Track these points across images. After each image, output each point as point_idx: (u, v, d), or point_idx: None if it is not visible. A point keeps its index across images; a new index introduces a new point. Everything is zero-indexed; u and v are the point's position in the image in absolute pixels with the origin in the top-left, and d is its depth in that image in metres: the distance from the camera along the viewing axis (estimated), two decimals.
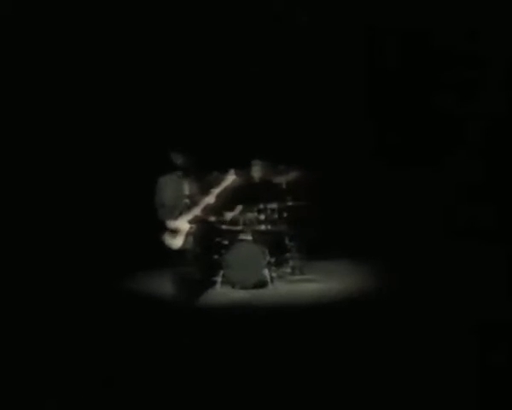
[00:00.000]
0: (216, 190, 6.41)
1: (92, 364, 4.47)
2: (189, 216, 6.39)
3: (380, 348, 4.56)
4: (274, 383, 4.06)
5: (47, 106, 8.12)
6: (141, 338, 5.01)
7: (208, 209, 6.52)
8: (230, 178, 6.45)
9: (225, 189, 6.47)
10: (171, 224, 6.38)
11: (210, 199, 6.38)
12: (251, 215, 7.01)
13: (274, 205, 7.08)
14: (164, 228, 6.41)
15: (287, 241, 7.21)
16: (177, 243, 6.37)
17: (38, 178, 8.07)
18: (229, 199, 6.79)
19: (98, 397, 3.94)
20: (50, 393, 4.01)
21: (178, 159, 6.39)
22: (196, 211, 6.39)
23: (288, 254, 7.23)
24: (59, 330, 5.28)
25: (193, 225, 6.38)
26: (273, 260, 6.99)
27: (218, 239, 7.05)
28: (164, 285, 6.64)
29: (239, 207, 7.05)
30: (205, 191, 6.48)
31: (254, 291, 6.65)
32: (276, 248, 7.10)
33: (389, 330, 4.96)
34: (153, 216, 6.51)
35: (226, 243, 6.98)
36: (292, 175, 7.15)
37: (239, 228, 6.99)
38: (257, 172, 7.31)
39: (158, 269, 7.23)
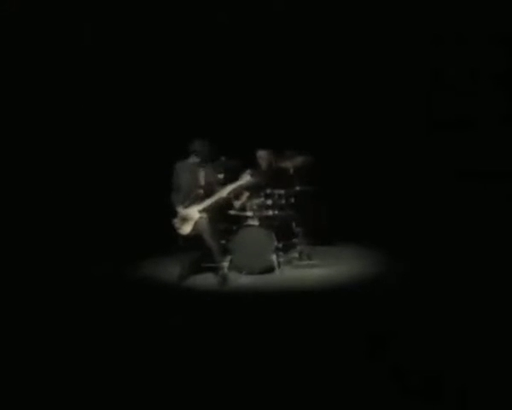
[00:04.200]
0: (231, 187, 6.46)
1: (98, 352, 4.49)
2: (201, 206, 6.43)
3: (385, 334, 4.56)
4: (280, 369, 4.06)
5: (60, 95, 8.19)
6: (147, 324, 5.03)
7: (220, 202, 6.55)
8: (246, 178, 6.50)
9: (240, 187, 6.51)
10: (182, 210, 6.43)
11: (223, 193, 6.44)
12: (258, 201, 6.99)
13: (281, 190, 7.07)
14: (175, 212, 6.45)
15: (294, 226, 7.20)
16: (186, 229, 6.42)
17: (45, 165, 8.12)
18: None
19: (106, 387, 3.96)
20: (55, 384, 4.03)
21: (198, 146, 6.43)
22: (208, 202, 6.43)
23: (295, 240, 7.22)
24: (64, 317, 5.31)
25: (203, 215, 6.42)
26: (280, 245, 6.99)
27: (225, 225, 7.04)
28: (171, 270, 6.68)
29: (246, 194, 7.04)
30: (219, 181, 6.53)
31: (261, 276, 6.65)
32: (283, 233, 7.09)
33: (395, 316, 4.97)
34: (161, 201, 6.57)
35: (234, 228, 6.98)
36: (299, 160, 7.13)
37: (246, 213, 6.98)
38: (262, 160, 7.30)
39: (165, 254, 7.28)
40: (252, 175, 6.62)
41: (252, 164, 7.10)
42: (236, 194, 6.87)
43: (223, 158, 6.89)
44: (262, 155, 7.31)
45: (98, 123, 8.36)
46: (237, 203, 6.99)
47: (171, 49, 8.28)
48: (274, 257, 6.77)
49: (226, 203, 6.83)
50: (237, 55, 8.32)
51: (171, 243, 6.63)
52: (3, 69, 7.83)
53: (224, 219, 7.02)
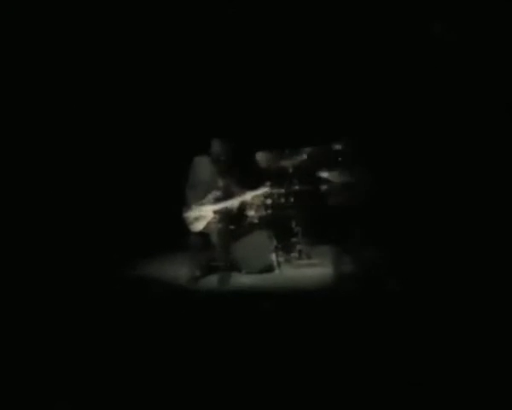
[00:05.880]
0: (249, 195, 6.57)
1: (96, 352, 4.49)
2: (217, 207, 6.43)
3: (386, 334, 4.56)
4: (280, 369, 4.06)
5: (62, 94, 8.20)
6: (147, 324, 5.03)
7: (235, 207, 6.54)
8: (264, 189, 6.64)
9: (257, 196, 6.62)
10: (197, 208, 6.42)
11: (240, 199, 6.45)
12: (257, 200, 6.98)
13: (281, 190, 7.06)
14: (187, 207, 6.43)
15: (293, 225, 7.19)
16: (197, 226, 6.42)
17: (46, 165, 8.13)
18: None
19: (105, 388, 3.96)
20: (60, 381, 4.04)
21: (220, 147, 6.45)
22: (227, 204, 6.43)
23: (294, 239, 7.21)
24: (64, 317, 5.30)
25: (216, 216, 6.42)
26: (280, 244, 6.98)
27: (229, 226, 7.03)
28: (179, 269, 6.69)
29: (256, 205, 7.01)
30: (237, 184, 6.56)
31: (261, 276, 6.64)
32: (282, 232, 7.08)
33: (396, 317, 4.96)
34: (166, 199, 6.58)
35: (232, 227, 6.96)
36: (298, 159, 7.12)
37: (246, 213, 6.96)
38: (261, 162, 7.29)
39: (175, 252, 7.31)
40: (270, 187, 6.67)
41: (249, 166, 7.08)
42: (251, 203, 6.84)
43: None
44: (261, 157, 7.28)
45: (98, 122, 8.37)
46: (251, 213, 6.92)
47: (170, 50, 8.28)
48: (273, 256, 6.76)
49: (240, 210, 6.81)
50: (236, 55, 8.32)
51: (174, 242, 6.63)
52: (3, 69, 7.84)
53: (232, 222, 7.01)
